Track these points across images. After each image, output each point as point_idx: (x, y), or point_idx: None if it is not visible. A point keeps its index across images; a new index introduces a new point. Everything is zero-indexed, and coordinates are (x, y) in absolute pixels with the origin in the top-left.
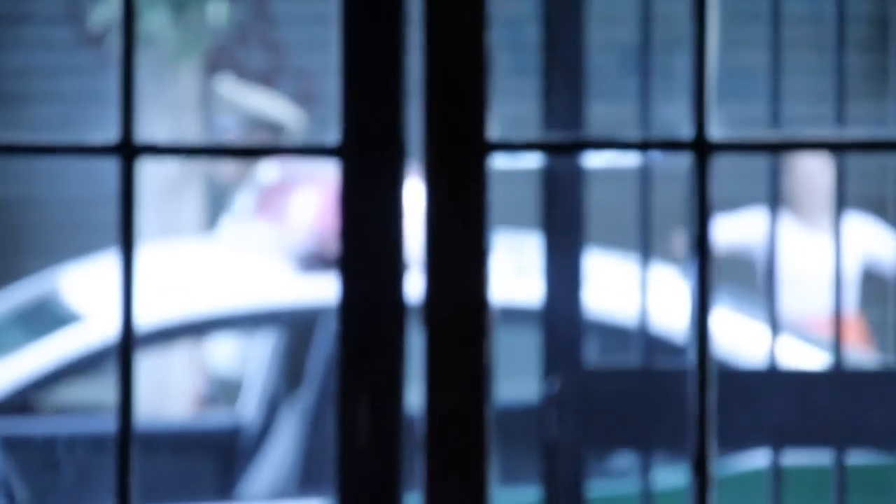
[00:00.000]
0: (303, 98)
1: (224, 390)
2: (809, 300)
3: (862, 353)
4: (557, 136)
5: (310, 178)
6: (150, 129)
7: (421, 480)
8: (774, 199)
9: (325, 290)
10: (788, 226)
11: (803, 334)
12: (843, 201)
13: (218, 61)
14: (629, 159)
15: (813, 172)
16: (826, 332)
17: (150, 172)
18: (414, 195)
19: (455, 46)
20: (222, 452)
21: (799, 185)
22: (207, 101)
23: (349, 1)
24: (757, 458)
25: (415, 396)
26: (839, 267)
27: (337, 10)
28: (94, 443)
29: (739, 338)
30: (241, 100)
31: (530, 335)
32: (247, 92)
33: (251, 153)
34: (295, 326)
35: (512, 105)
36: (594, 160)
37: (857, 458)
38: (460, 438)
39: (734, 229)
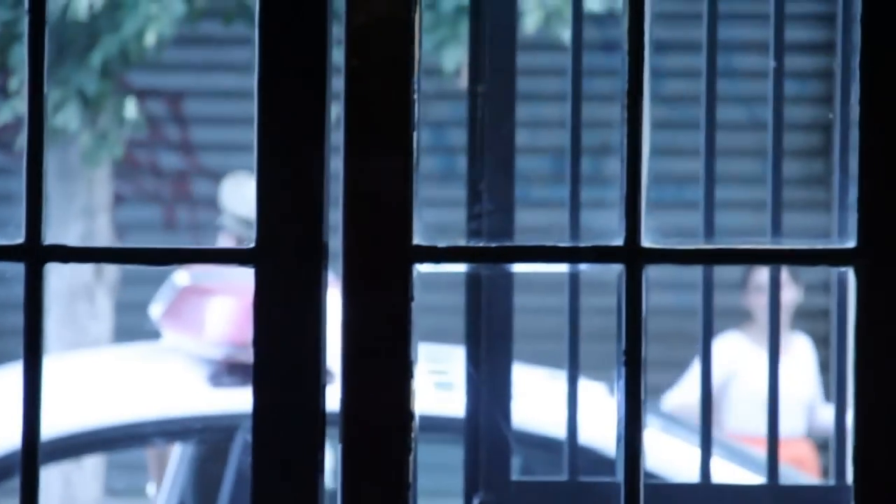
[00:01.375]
0: (217, 203)
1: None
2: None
3: (801, 473)
4: (485, 243)
5: (225, 284)
6: (59, 233)
7: None
8: (708, 308)
9: (241, 402)
10: (743, 343)
11: (741, 453)
12: (776, 315)
13: (132, 161)
14: (559, 267)
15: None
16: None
17: (59, 276)
18: (334, 303)
19: (379, 149)
20: None
21: (755, 300)
22: (120, 203)
23: (265, 113)
24: None
25: None
26: (774, 383)
27: (255, 111)
28: None
29: (669, 454)
30: (241, 200)
31: (453, 451)
32: (248, 191)
33: (165, 258)
34: (211, 439)
35: (438, 213)
36: (522, 268)
37: None
38: None
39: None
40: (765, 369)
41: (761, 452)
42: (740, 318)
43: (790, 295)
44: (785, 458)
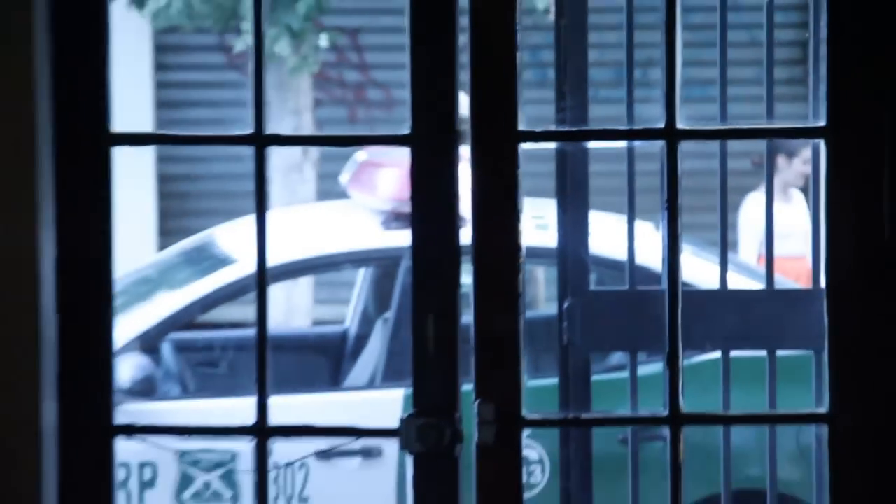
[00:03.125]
0: (384, 104)
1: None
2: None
3: (796, 283)
4: (568, 128)
5: (391, 159)
6: (276, 125)
7: (473, 374)
8: (724, 176)
9: (404, 239)
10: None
11: (750, 268)
12: (770, 178)
13: (324, 76)
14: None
15: (791, 161)
16: (790, 270)
17: (277, 155)
18: (465, 172)
19: (494, 64)
20: (332, 354)
21: (785, 168)
22: (317, 105)
23: (416, 37)
24: (711, 354)
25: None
26: (770, 221)
27: (408, 41)
28: (239, 347)
29: (698, 270)
30: None
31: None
32: None
33: (349, 142)
34: (384, 265)
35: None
36: (595, 145)
37: (783, 352)
38: (501, 343)
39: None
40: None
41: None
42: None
43: (801, 165)
44: (789, 274)
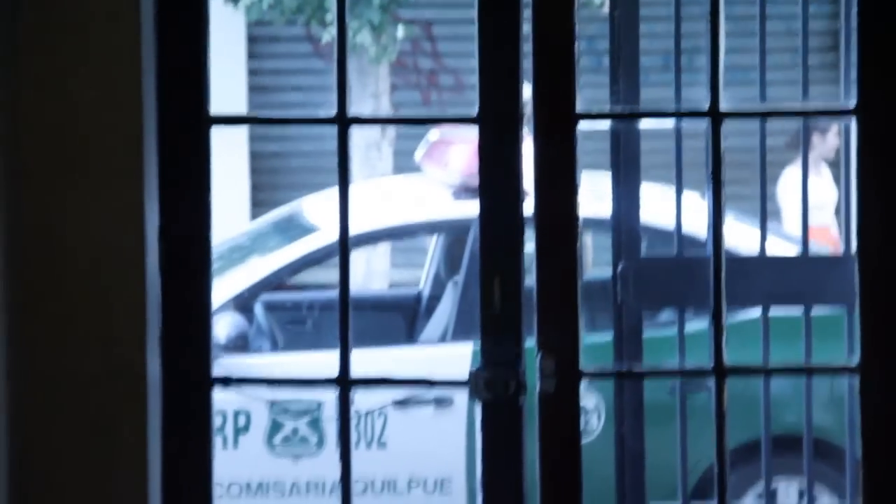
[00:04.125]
0: (455, 88)
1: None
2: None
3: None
4: (621, 109)
5: (460, 137)
6: (357, 108)
7: (535, 331)
8: (763, 152)
9: (473, 209)
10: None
11: (788, 236)
12: (806, 154)
13: (401, 63)
14: (668, 122)
15: (825, 137)
16: (817, 239)
17: (358, 134)
18: (528, 148)
19: (554, 52)
20: (408, 313)
21: (815, 145)
22: (394, 90)
23: (484, 28)
24: (753, 313)
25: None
26: (805, 193)
27: (476, 31)
28: (323, 307)
29: (740, 236)
30: None
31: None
32: None
33: (423, 122)
34: (455, 232)
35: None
36: (646, 124)
37: (818, 311)
38: (561, 302)
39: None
40: (812, 185)
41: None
42: (791, 154)
43: (834, 141)
44: (821, 240)
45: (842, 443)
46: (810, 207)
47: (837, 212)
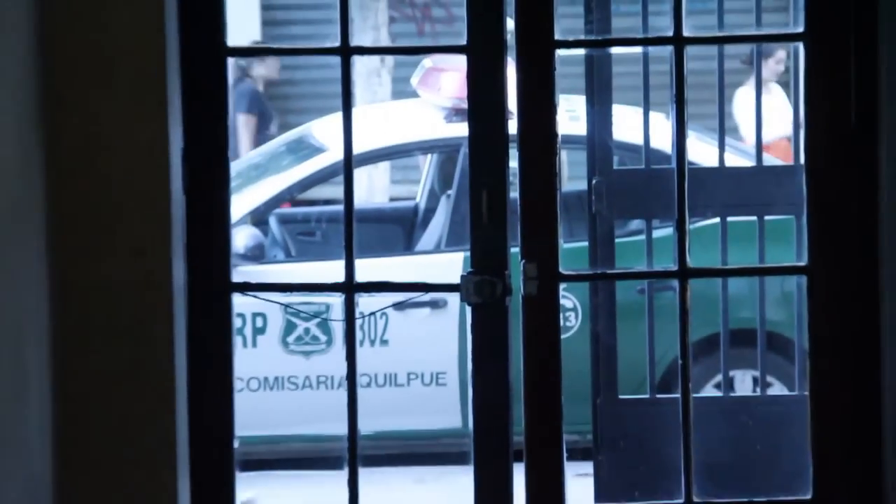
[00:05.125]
0: (446, 20)
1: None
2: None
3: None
4: (594, 37)
5: (451, 65)
6: (359, 39)
7: (519, 239)
8: (721, 74)
9: (463, 130)
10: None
11: (743, 149)
12: (759, 75)
13: None
14: (636, 49)
15: (768, 62)
16: (777, 151)
17: (360, 63)
18: (511, 74)
19: None
20: (406, 224)
21: (770, 66)
22: (392, 22)
23: None
24: (712, 220)
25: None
26: (759, 110)
27: None
28: (330, 220)
29: (701, 151)
30: None
31: (580, 153)
32: None
33: (417, 51)
34: (447, 151)
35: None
36: (616, 51)
37: (770, 217)
38: (542, 213)
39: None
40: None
41: (763, 151)
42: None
43: (781, 64)
44: (780, 152)
45: (791, 336)
46: (764, 123)
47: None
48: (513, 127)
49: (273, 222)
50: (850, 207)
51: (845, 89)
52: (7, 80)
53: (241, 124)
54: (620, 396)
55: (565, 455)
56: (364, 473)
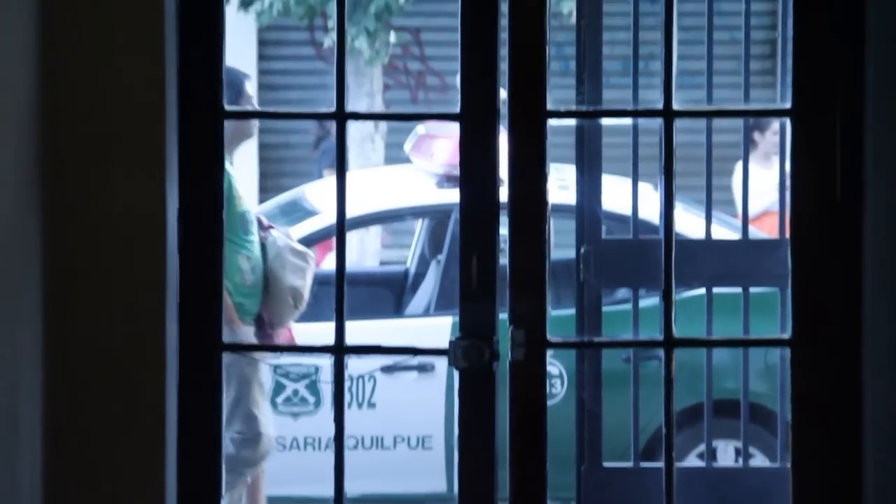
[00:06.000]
0: (440, 88)
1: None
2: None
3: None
4: (586, 108)
5: (444, 132)
6: (353, 105)
7: (508, 305)
8: (709, 147)
9: (454, 196)
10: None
11: (731, 222)
12: (746, 151)
13: (392, 65)
14: (627, 120)
15: (765, 135)
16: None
17: (354, 128)
18: (503, 142)
19: (527, 57)
20: (396, 288)
21: (761, 140)
22: (386, 89)
23: (465, 35)
24: (697, 291)
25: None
26: (746, 181)
27: (458, 38)
28: (322, 281)
29: (689, 222)
30: None
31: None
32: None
33: (411, 118)
34: (438, 217)
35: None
36: (607, 122)
37: (755, 289)
38: (530, 280)
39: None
40: (763, 177)
41: (751, 225)
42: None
43: (775, 137)
44: (762, 227)
45: (774, 407)
46: (762, 196)
47: None
48: (504, 194)
49: None
50: (835, 281)
51: (831, 164)
52: (7, 141)
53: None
54: (604, 464)
55: None
56: None
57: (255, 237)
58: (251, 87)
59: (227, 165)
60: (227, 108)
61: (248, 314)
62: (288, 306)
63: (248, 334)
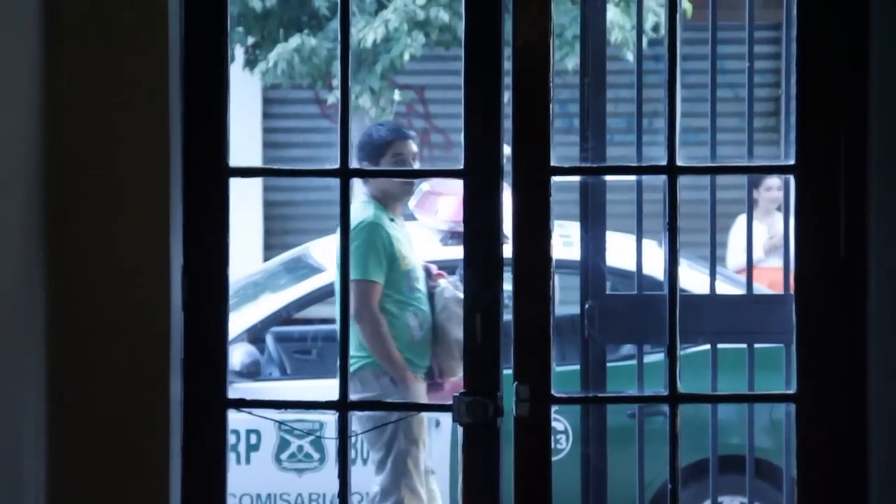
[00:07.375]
0: (444, 146)
1: None
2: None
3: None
4: (589, 164)
5: (449, 189)
6: (357, 162)
7: (512, 361)
8: (713, 204)
9: (459, 252)
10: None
11: (733, 278)
12: (750, 207)
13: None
14: (631, 176)
15: (771, 189)
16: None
17: (358, 187)
18: (507, 198)
19: (531, 114)
20: None
21: (762, 196)
22: None
23: (470, 93)
24: (702, 346)
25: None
26: (750, 238)
27: (462, 96)
28: (326, 338)
29: (693, 279)
30: None
31: (574, 278)
32: None
33: (415, 174)
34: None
35: (563, 150)
36: (611, 179)
37: (760, 345)
38: (534, 336)
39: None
40: (758, 234)
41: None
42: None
43: (778, 192)
44: (765, 282)
45: (780, 463)
46: (765, 250)
47: None
48: (508, 250)
49: (270, 340)
50: (839, 337)
51: (835, 220)
52: (13, 198)
53: None
54: None
55: None
56: None
57: (422, 293)
58: (414, 144)
59: (391, 225)
60: (231, 165)
61: (419, 368)
62: (455, 358)
63: (421, 390)
